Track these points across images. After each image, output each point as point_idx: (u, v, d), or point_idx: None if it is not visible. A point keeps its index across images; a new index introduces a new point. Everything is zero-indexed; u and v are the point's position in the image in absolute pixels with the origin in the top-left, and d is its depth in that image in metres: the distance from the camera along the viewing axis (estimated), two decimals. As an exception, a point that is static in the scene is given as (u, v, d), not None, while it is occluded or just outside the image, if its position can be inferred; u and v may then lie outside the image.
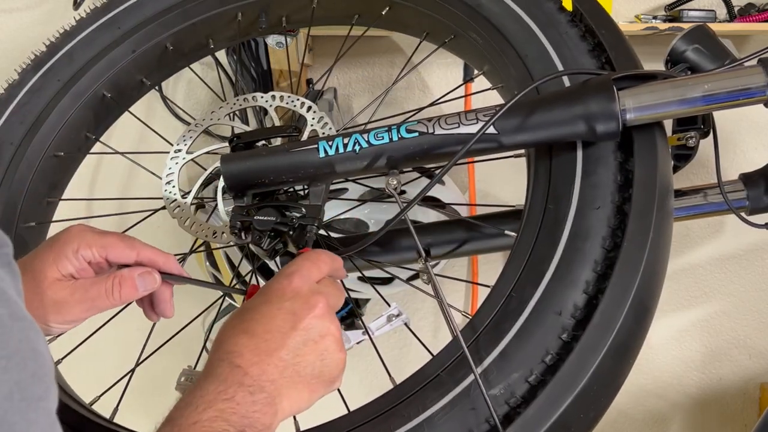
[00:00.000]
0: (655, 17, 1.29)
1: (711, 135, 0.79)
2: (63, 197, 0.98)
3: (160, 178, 0.85)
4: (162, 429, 0.51)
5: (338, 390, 0.63)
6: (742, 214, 0.84)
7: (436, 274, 0.75)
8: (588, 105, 0.66)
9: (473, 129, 0.68)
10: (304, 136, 0.82)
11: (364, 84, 1.39)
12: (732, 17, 1.30)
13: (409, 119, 0.72)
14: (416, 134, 0.69)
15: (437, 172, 0.98)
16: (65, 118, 0.93)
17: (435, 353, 0.70)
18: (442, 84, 1.36)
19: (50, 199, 0.94)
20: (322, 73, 1.35)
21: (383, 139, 0.70)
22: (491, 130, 0.68)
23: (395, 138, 0.70)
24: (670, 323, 1.47)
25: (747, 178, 0.87)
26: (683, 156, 0.81)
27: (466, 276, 1.43)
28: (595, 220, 0.68)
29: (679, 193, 0.88)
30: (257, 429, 0.53)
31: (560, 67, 0.74)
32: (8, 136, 0.89)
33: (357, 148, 0.70)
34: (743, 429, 1.50)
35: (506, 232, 0.85)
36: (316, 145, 0.71)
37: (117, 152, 1.03)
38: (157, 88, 1.31)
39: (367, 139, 0.70)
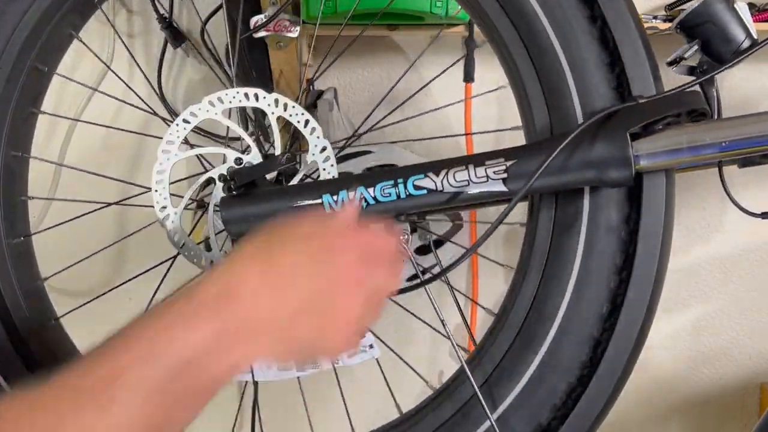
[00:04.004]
0: (655, 17, 1.29)
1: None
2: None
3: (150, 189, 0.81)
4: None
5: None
6: (742, 205, 0.83)
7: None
8: (601, 150, 0.66)
9: (482, 189, 0.68)
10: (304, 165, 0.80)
11: (364, 84, 1.39)
12: (732, 17, 1.30)
13: (416, 171, 0.71)
14: (424, 191, 0.69)
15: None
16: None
17: (436, 366, 0.75)
18: (442, 84, 1.36)
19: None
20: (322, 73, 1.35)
21: (390, 196, 0.70)
22: (499, 183, 0.68)
23: (402, 195, 0.69)
24: (670, 323, 1.47)
25: None
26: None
27: (464, 289, 1.42)
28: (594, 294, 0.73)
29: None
30: (212, 370, 0.48)
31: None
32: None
33: (363, 205, 0.70)
34: (743, 429, 1.50)
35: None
36: (320, 201, 0.71)
37: (106, 126, 1.02)
38: (156, 90, 1.31)
39: (373, 195, 0.70)
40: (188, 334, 0.47)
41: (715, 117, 0.73)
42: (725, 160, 0.73)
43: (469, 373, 0.72)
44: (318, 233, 0.55)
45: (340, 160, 1.23)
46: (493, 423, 0.70)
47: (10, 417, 0.42)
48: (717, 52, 0.70)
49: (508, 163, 0.68)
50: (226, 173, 0.79)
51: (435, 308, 0.75)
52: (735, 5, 0.67)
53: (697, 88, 0.72)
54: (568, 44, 0.71)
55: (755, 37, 0.70)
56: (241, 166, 0.79)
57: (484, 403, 0.70)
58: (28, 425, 0.41)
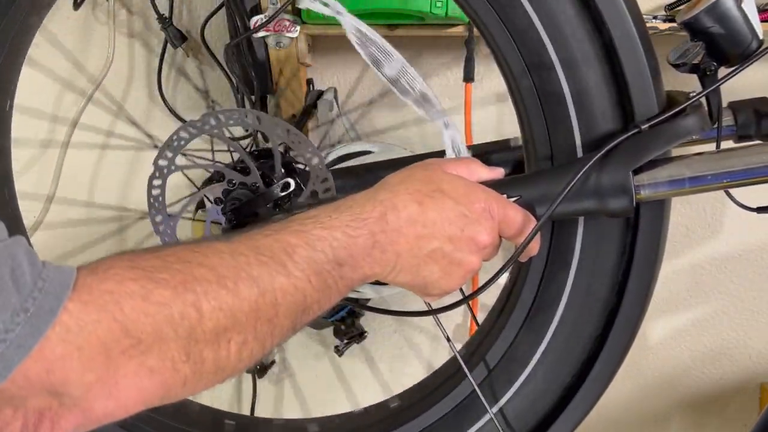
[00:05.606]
0: (655, 17, 1.28)
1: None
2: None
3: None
4: (279, 220, 0.57)
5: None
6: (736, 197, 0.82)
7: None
8: (602, 182, 0.66)
9: None
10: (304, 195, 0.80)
11: (364, 83, 1.39)
12: (732, 17, 1.30)
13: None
14: None
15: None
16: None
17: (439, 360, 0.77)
18: (442, 83, 1.36)
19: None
20: (322, 73, 1.35)
21: None
22: None
23: None
24: (670, 323, 1.47)
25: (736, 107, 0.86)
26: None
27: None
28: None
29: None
30: (352, 275, 0.57)
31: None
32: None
33: None
34: (743, 429, 1.50)
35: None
36: None
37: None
38: (157, 93, 1.31)
39: None
40: (350, 241, 0.56)
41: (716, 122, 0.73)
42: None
43: (463, 364, 0.76)
44: (471, 197, 0.62)
45: (340, 160, 1.24)
46: (493, 417, 0.72)
47: (204, 251, 0.50)
48: (723, 53, 0.68)
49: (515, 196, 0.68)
50: (222, 202, 0.80)
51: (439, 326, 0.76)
52: (742, 5, 0.66)
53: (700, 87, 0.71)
54: (564, 48, 0.70)
55: (761, 37, 0.68)
56: (236, 198, 0.80)
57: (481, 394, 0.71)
58: (218, 261, 0.49)
